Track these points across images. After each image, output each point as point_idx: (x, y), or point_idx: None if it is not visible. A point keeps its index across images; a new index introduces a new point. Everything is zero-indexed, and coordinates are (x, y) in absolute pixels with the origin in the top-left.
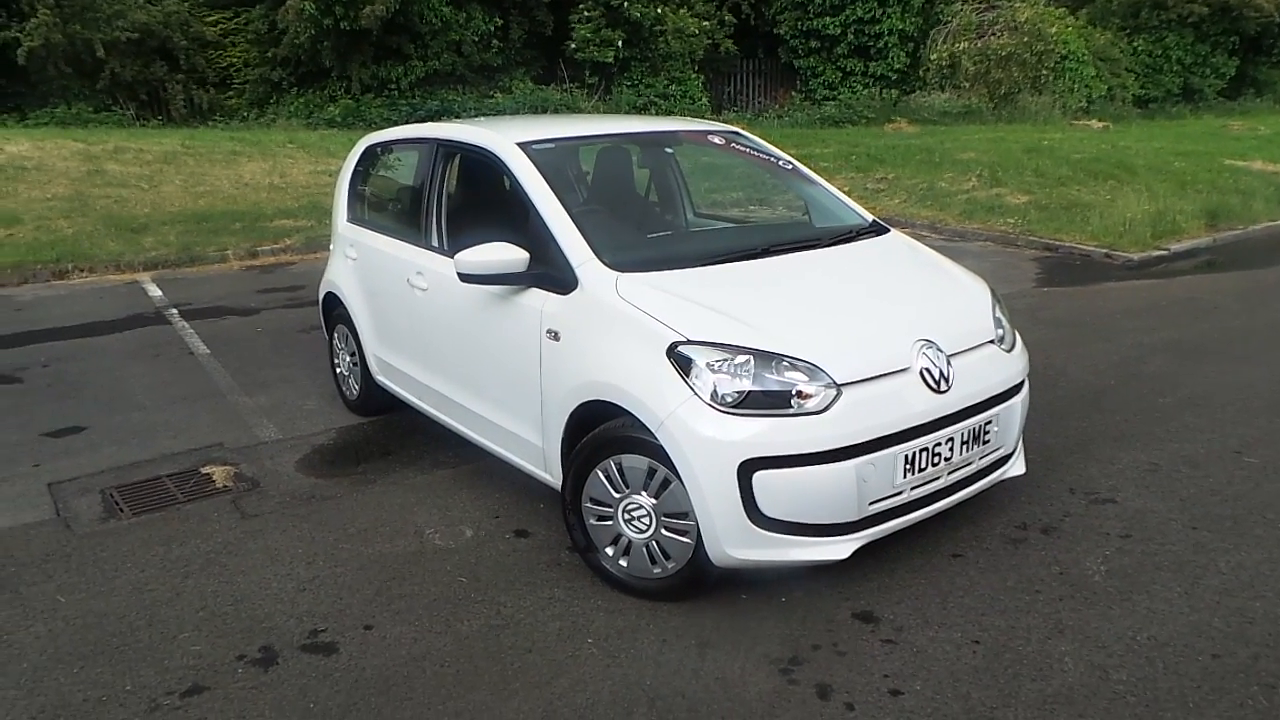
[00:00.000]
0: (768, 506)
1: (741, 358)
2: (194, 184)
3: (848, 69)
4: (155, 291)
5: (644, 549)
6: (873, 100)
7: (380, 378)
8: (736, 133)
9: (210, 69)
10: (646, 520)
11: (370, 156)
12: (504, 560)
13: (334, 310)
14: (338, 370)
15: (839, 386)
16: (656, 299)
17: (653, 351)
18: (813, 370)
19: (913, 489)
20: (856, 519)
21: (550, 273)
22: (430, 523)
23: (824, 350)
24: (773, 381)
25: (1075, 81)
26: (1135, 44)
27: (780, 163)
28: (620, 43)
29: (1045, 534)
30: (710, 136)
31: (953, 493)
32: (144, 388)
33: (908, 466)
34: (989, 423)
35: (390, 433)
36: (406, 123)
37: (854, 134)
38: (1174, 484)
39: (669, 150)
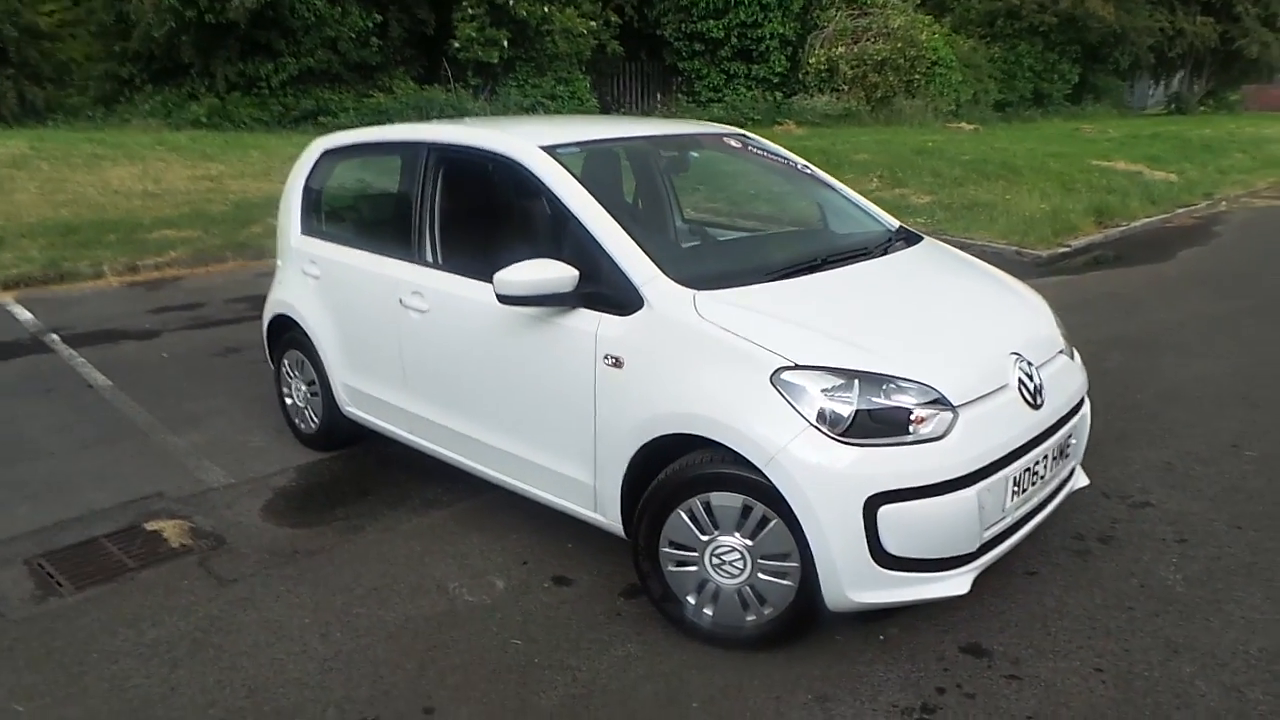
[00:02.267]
0: (892, 544)
1: (854, 382)
2: (53, 191)
3: (731, 72)
4: (24, 314)
5: (735, 595)
6: (757, 102)
7: (351, 409)
8: (747, 135)
9: (45, 63)
10: (740, 564)
11: (327, 162)
12: (554, 614)
13: (285, 334)
14: (288, 401)
15: (955, 409)
16: (746, 319)
17: (753, 379)
18: (929, 392)
19: (1016, 510)
20: (975, 549)
21: (604, 292)
22: (451, 575)
23: (936, 370)
24: (889, 407)
25: (945, 86)
26: (992, 51)
27: (799, 166)
28: (506, 42)
29: (1104, 544)
30: (726, 140)
31: (1041, 510)
32: (44, 430)
33: (1015, 488)
34: (1070, 436)
35: (360, 469)
36: (280, 124)
37: None
38: (1195, 482)
39: (694, 154)
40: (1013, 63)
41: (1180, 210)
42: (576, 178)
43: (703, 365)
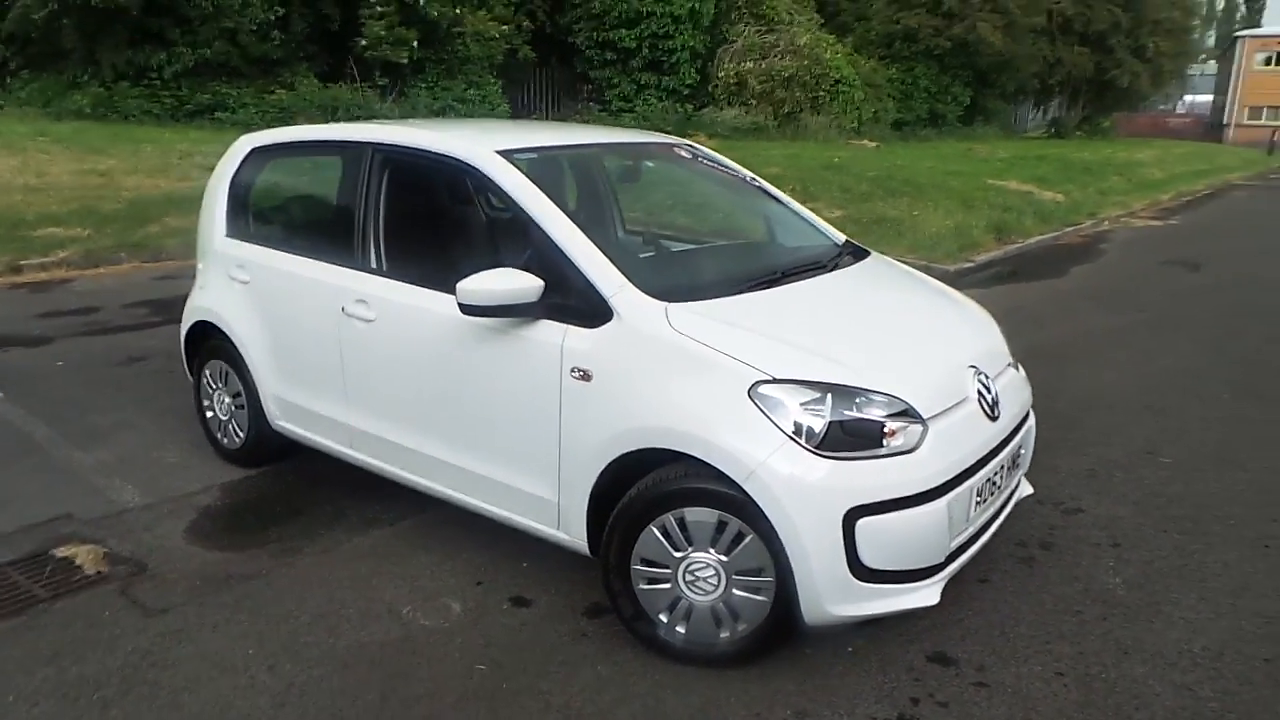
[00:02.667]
0: (869, 556)
1: (828, 396)
2: None
3: (642, 82)
4: None
5: (709, 612)
6: (667, 113)
7: (283, 423)
8: (695, 146)
9: None
10: (715, 580)
11: (256, 160)
12: (516, 637)
13: (207, 343)
14: (209, 414)
15: (925, 421)
16: (720, 331)
17: (730, 392)
18: (899, 405)
19: (978, 520)
20: (943, 559)
21: (569, 303)
22: (402, 598)
23: (905, 383)
24: (862, 420)
25: (848, 104)
26: (890, 72)
27: (748, 179)
28: (415, 43)
29: (1046, 549)
30: (677, 150)
31: (996, 519)
32: None
33: (977, 498)
34: (1020, 446)
35: (290, 486)
36: (174, 117)
37: None
38: (1118, 488)
39: (649, 164)
40: (910, 84)
41: (1068, 229)
42: (537, 185)
43: (677, 379)
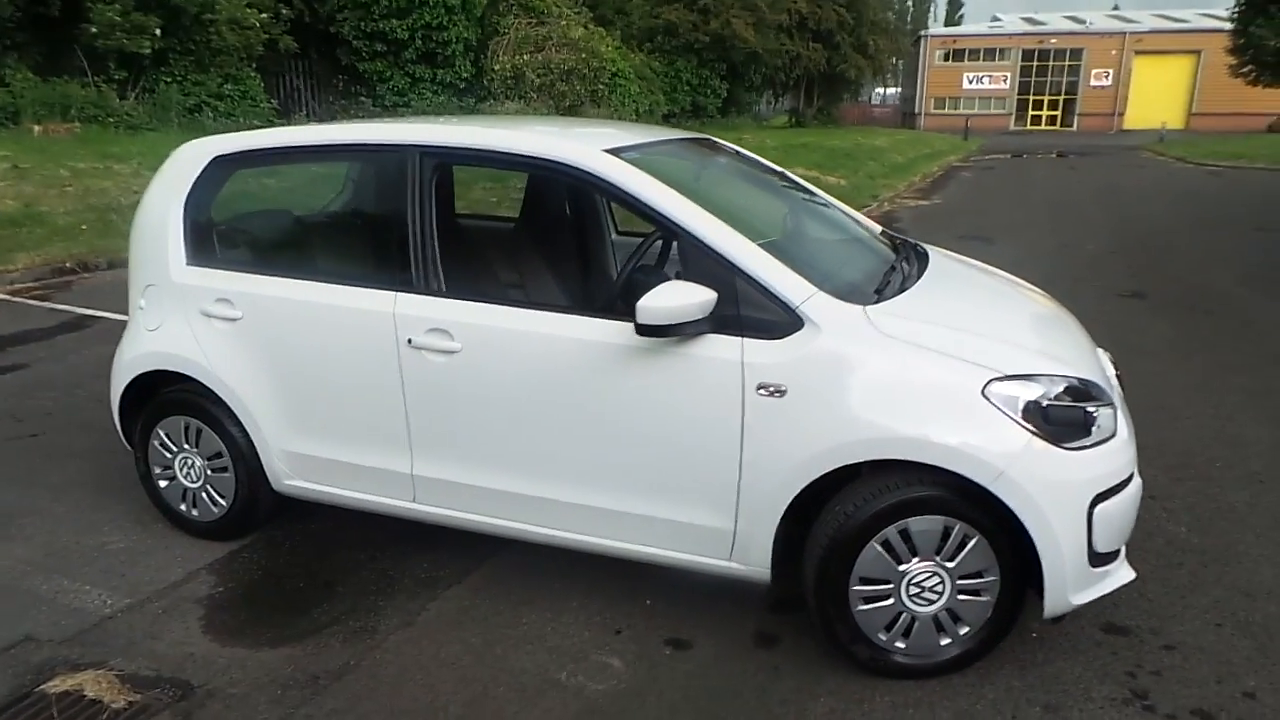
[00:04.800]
0: (1100, 541)
1: (1055, 388)
2: None
3: (416, 75)
4: None
5: (932, 621)
6: (444, 107)
7: (295, 483)
8: (714, 140)
9: None
10: (940, 588)
11: (218, 172)
12: (710, 684)
13: (160, 397)
14: (165, 483)
15: (1113, 407)
16: (930, 332)
17: (963, 393)
18: (1100, 392)
19: None
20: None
21: (745, 314)
22: (546, 663)
23: (1093, 371)
24: (1079, 410)
25: (625, 96)
26: (653, 65)
27: (779, 173)
28: (158, 31)
29: None
30: (709, 144)
31: None
32: None
33: None
34: None
35: (293, 555)
36: None
37: None
38: None
39: (721, 160)
40: (673, 77)
41: (863, 210)
42: (675, 189)
43: (900, 385)
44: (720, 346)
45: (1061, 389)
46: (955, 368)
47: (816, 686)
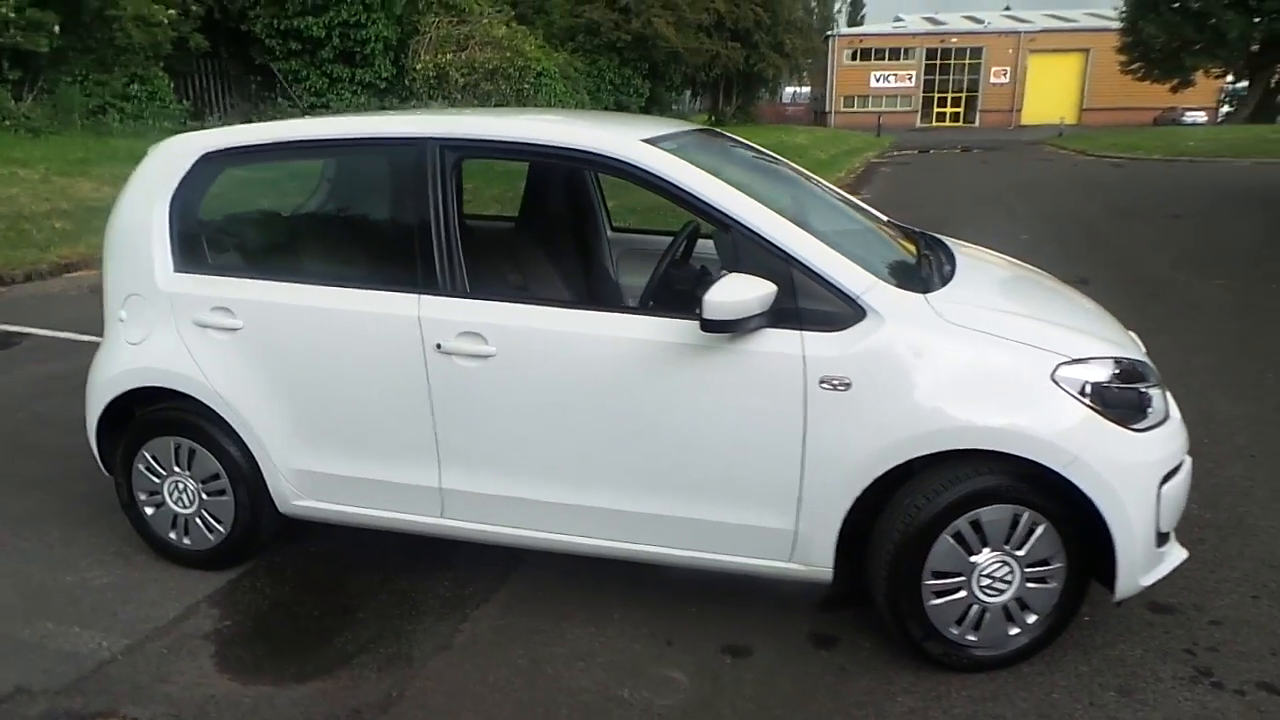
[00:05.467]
0: (1164, 522)
1: (1120, 370)
2: None
3: (335, 75)
4: None
5: (1002, 611)
6: (366, 108)
7: (305, 503)
8: (719, 131)
9: None
10: (1009, 577)
11: (208, 169)
12: (780, 691)
13: (146, 416)
14: (152, 510)
15: (1161, 388)
16: (993, 318)
17: (1033, 379)
18: (1150, 373)
19: None
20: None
21: (803, 306)
22: (604, 682)
23: (1138, 353)
24: (1138, 392)
25: (551, 96)
26: (576, 65)
27: (782, 166)
28: (57, 27)
29: None
30: (717, 135)
31: None
32: None
33: None
34: None
35: (299, 583)
36: None
37: None
38: None
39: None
40: (596, 76)
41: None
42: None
43: (972, 373)
44: (778, 341)
45: (1117, 371)
46: (1024, 353)
47: (889, 685)
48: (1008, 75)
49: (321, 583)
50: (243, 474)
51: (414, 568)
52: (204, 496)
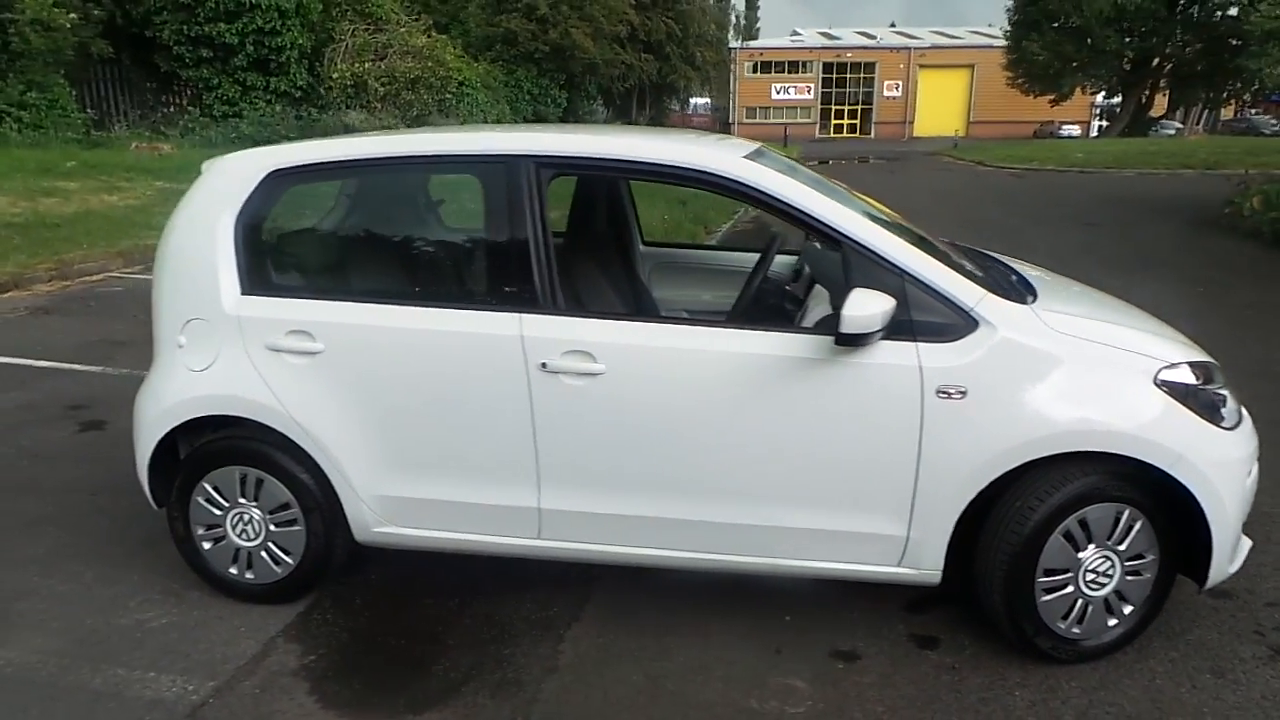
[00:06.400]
0: (1245, 514)
1: (1208, 374)
2: None
3: (248, 83)
4: None
5: (1103, 604)
6: (283, 118)
7: (387, 529)
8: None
9: None
10: (1111, 572)
11: (273, 187)
12: (902, 694)
13: (205, 447)
14: (210, 545)
15: (1228, 389)
16: (1095, 327)
17: (1138, 384)
18: (1219, 375)
19: None
20: None
21: (917, 318)
22: (726, 694)
23: (1208, 357)
24: (1214, 393)
25: (473, 106)
26: (495, 75)
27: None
28: None
29: None
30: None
31: None
32: None
33: None
34: None
35: (374, 611)
36: None
37: None
38: None
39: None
40: (514, 86)
41: (731, 219)
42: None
43: (1084, 378)
44: (893, 352)
45: (1201, 374)
46: (1129, 360)
47: (1004, 681)
48: (899, 89)
49: (395, 611)
50: (317, 502)
51: (486, 590)
52: (271, 528)
